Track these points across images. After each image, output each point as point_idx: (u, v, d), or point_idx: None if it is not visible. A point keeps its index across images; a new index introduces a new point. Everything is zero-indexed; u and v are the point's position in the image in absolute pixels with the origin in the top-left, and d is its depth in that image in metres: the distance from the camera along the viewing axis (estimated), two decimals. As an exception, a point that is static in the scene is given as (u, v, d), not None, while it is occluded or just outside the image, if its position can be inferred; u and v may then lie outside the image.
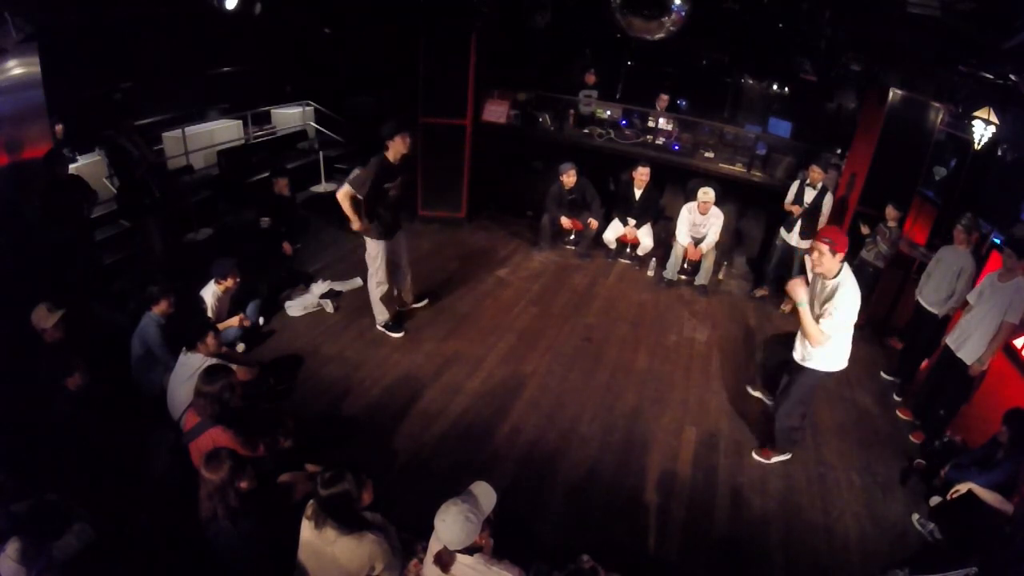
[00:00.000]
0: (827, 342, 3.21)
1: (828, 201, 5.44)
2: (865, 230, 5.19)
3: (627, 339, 5.03)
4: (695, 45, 8.99)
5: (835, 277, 3.17)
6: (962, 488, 3.13)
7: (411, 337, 4.73)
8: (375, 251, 4.38)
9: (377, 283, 4.53)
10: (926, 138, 5.18)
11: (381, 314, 4.71)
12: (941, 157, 7.98)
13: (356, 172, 4.11)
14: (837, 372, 3.45)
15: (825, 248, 3.10)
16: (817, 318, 3.18)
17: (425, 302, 5.19)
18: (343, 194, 4.04)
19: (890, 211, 4.97)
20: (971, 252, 4.34)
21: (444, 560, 2.08)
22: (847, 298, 3.12)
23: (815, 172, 5.44)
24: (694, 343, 5.10)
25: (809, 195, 5.49)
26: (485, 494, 2.14)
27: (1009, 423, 3.30)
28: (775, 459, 3.75)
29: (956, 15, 3.62)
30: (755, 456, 3.79)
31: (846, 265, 3.18)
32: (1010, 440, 3.27)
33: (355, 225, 4.15)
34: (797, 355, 3.48)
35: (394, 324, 4.76)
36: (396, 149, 4.08)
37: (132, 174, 5.15)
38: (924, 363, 4.73)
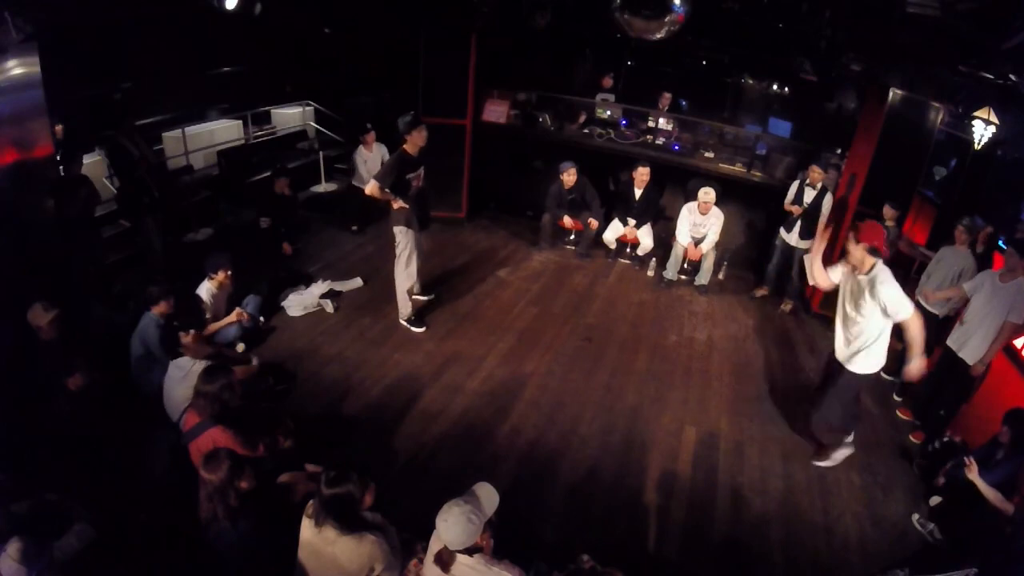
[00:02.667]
0: (911, 314, 3.15)
1: (828, 201, 5.44)
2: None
3: (627, 339, 5.03)
4: (695, 45, 8.98)
5: (868, 272, 3.18)
6: (970, 472, 3.12)
7: (411, 337, 4.73)
8: (404, 240, 4.48)
9: (407, 274, 4.61)
10: (926, 138, 5.17)
11: (405, 307, 4.79)
12: (941, 157, 7.96)
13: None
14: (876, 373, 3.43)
15: (851, 235, 3.17)
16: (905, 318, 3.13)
17: (432, 296, 5.24)
18: (372, 188, 4.23)
19: (887, 210, 4.97)
20: (972, 252, 4.34)
21: (444, 560, 2.08)
22: (890, 287, 3.11)
23: (815, 172, 5.44)
24: (694, 343, 5.10)
25: (809, 195, 5.49)
26: (487, 496, 2.14)
27: (1009, 423, 3.30)
28: (838, 455, 3.72)
29: (956, 15, 3.61)
30: (818, 463, 3.76)
31: (880, 263, 3.18)
32: (1010, 440, 3.28)
33: (395, 204, 4.31)
34: (840, 354, 3.42)
35: (416, 319, 4.82)
36: (414, 142, 4.31)
37: (132, 174, 5.16)
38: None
